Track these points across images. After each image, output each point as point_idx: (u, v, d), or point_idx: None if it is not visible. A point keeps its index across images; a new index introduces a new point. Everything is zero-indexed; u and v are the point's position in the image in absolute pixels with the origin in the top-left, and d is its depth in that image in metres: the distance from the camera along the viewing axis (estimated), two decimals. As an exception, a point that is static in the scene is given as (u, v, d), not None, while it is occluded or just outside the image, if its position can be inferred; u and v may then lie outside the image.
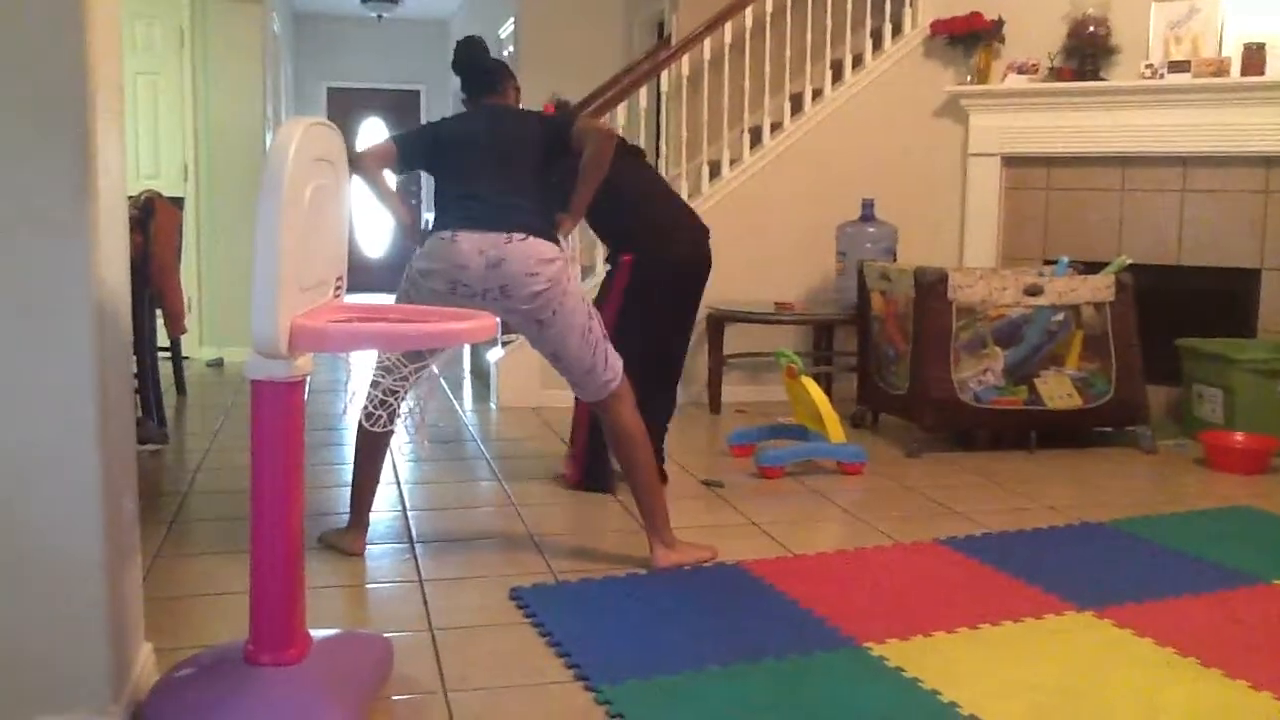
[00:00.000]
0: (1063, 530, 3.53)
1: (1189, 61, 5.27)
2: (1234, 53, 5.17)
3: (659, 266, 3.80)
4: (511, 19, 8.11)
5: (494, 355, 5.60)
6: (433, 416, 5.22)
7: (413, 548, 3.27)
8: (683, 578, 3.01)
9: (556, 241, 3.02)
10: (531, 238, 2.93)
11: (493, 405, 5.51)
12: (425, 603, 2.81)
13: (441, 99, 11.46)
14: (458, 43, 3.30)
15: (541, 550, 3.24)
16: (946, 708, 2.24)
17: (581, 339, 3.01)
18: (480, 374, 6.15)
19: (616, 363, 3.08)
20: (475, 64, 3.28)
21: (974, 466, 4.40)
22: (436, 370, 2.84)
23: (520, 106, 3.41)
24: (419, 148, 3.17)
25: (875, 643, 2.55)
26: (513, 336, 5.44)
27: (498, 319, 2.40)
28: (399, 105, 11.62)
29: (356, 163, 2.97)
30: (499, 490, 3.96)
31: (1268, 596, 2.94)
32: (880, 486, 4.08)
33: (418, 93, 11.66)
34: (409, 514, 3.63)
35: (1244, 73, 5.13)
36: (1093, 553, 3.31)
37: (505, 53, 8.46)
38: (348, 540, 3.20)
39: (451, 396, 5.84)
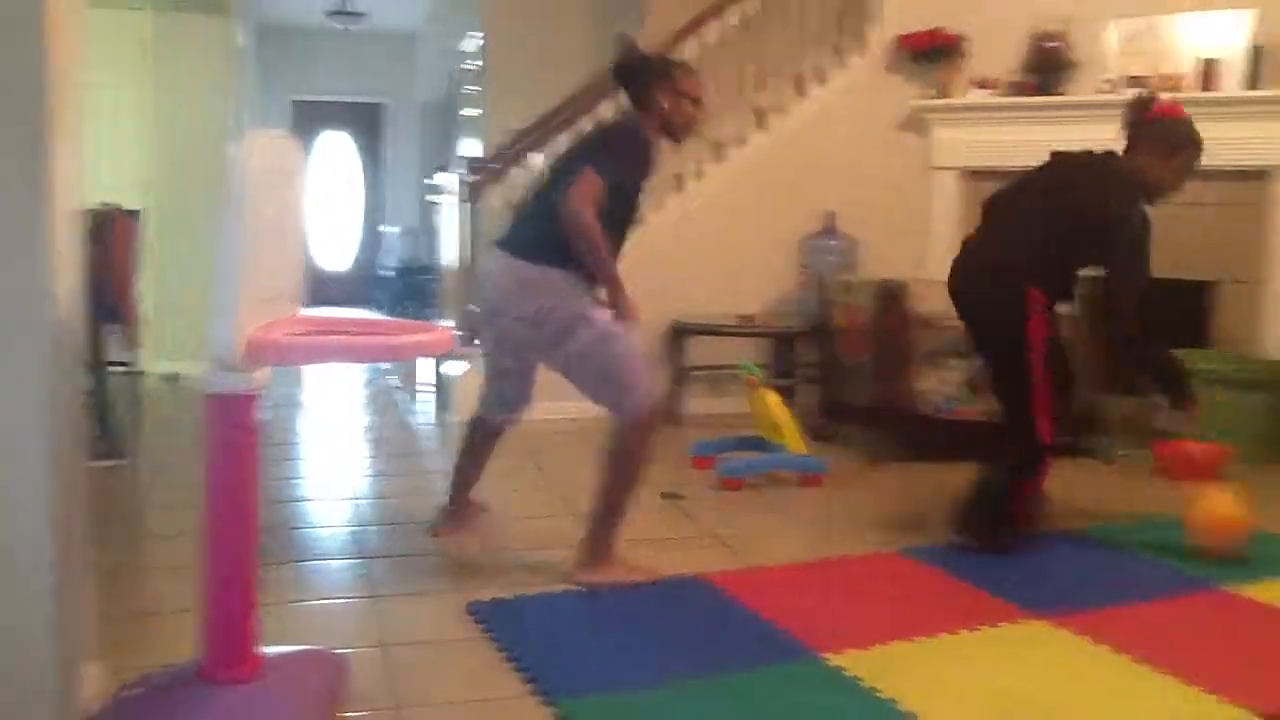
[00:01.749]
0: (1022, 539, 3.55)
1: (1147, 77, 5.33)
2: (1190, 68, 5.25)
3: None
4: (477, 33, 8.10)
5: (454, 367, 5.57)
6: (389, 430, 5.19)
7: (368, 563, 3.24)
8: (643, 591, 3.00)
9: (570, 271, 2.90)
10: (519, 259, 2.94)
11: (453, 418, 5.47)
12: (381, 619, 2.79)
13: (406, 112, 11.44)
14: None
15: (500, 565, 3.22)
16: (905, 717, 2.24)
17: (596, 381, 2.95)
18: (440, 386, 6.12)
19: (639, 398, 2.93)
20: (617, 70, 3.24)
21: (934, 477, 4.41)
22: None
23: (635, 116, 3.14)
24: None
25: (835, 653, 2.56)
26: (475, 348, 5.41)
27: (456, 331, 2.42)
28: (363, 118, 11.59)
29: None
30: (460, 504, 3.93)
31: (1218, 601, 2.98)
32: (841, 497, 4.09)
33: (382, 106, 11.63)
34: (365, 529, 3.60)
35: (1200, 88, 5.20)
36: (1050, 561, 3.34)
37: (469, 66, 8.46)
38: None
39: (410, 410, 5.80)
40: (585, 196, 2.82)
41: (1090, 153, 3.52)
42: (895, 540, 3.51)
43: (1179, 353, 4.97)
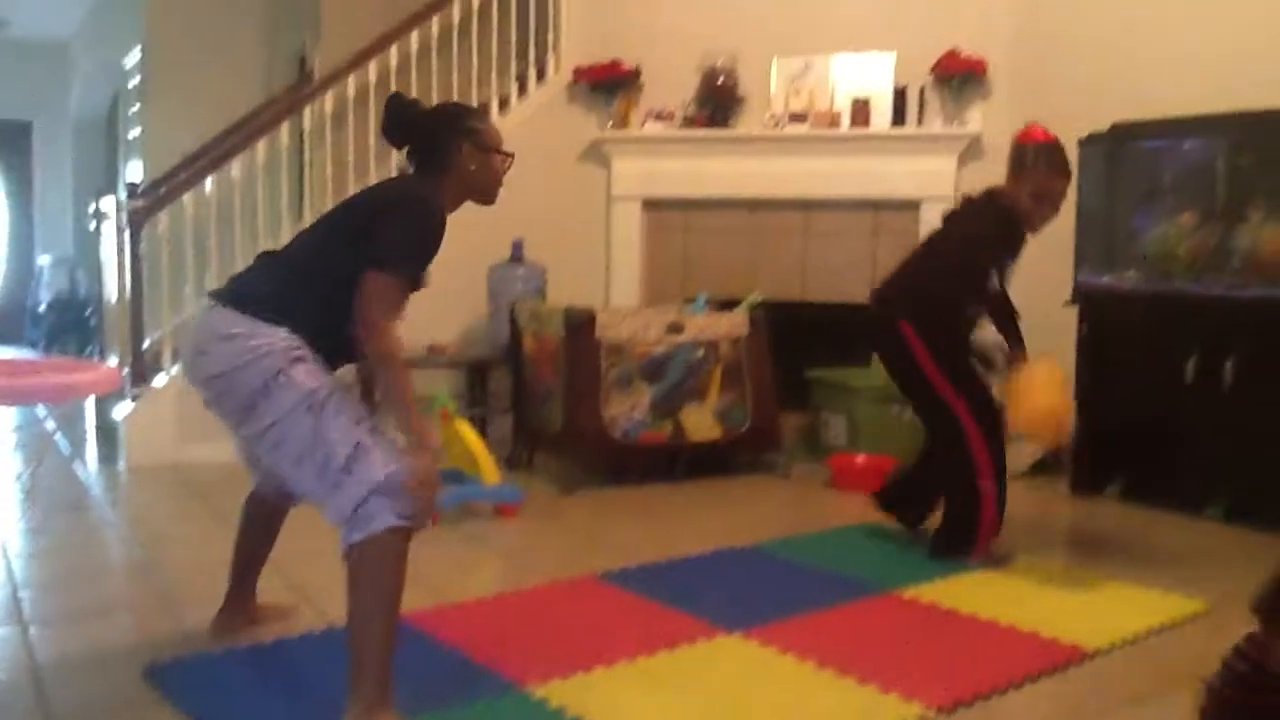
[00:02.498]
0: (710, 556, 3.69)
1: (807, 113, 5.72)
2: (844, 106, 5.67)
3: None
4: (138, 46, 7.59)
5: (122, 409, 5.17)
6: (47, 480, 4.74)
7: (25, 630, 2.93)
8: (335, 637, 2.87)
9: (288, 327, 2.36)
10: (230, 309, 2.39)
11: (121, 465, 5.07)
12: (43, 693, 2.53)
13: (58, 132, 10.55)
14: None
15: (180, 621, 3.00)
16: (607, 745, 2.26)
17: (297, 465, 2.33)
18: (107, 431, 5.65)
19: (365, 493, 2.25)
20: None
21: (627, 500, 4.53)
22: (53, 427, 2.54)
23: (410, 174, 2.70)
24: None
25: (538, 684, 2.55)
26: (144, 388, 5.04)
27: (122, 370, 2.19)
28: (7, 139, 10.58)
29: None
30: (130, 559, 3.65)
31: (890, 605, 3.20)
32: (537, 526, 4.11)
33: (29, 125, 10.65)
34: (19, 591, 3.26)
35: (853, 124, 5.63)
36: (738, 576, 3.49)
37: (130, 85, 7.91)
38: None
39: (72, 457, 5.33)
40: (388, 311, 2.35)
41: (985, 191, 3.69)
42: (592, 565, 3.55)
43: (842, 370, 5.38)
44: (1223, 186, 4.27)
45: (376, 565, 2.24)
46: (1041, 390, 3.49)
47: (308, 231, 2.62)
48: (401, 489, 2.23)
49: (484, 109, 2.57)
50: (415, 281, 2.44)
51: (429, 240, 2.46)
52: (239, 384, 2.32)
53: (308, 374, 2.33)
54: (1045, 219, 3.59)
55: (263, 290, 2.42)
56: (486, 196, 2.69)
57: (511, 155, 2.72)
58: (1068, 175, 3.58)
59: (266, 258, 2.59)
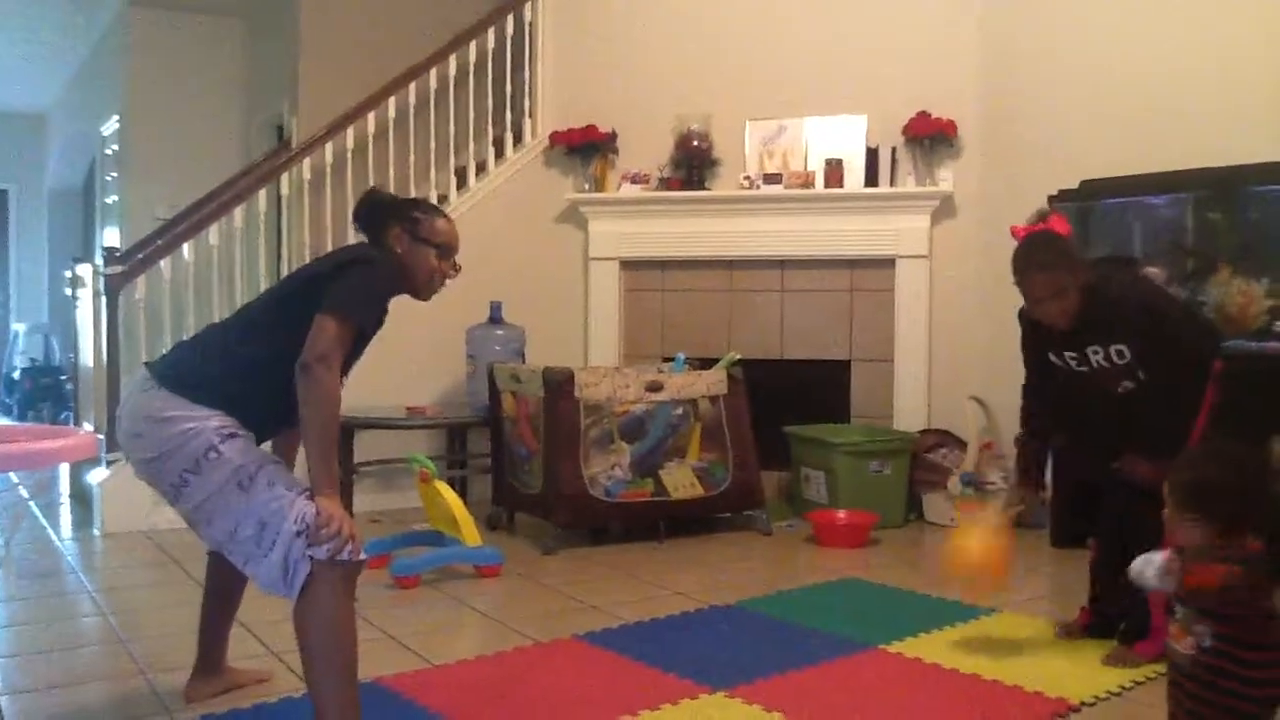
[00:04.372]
0: (693, 615, 3.67)
1: (781, 174, 5.79)
2: (818, 167, 5.75)
3: None
4: (116, 116, 7.63)
5: (97, 475, 5.12)
6: (21, 548, 4.68)
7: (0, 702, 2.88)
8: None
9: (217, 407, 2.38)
10: (161, 386, 2.40)
11: (96, 531, 5.01)
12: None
13: (34, 200, 10.57)
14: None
15: (156, 688, 2.95)
16: (591, 807, 2.23)
17: (230, 538, 2.35)
18: (81, 497, 5.60)
19: (300, 563, 2.26)
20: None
21: (608, 560, 4.50)
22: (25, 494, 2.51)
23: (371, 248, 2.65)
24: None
25: (519, 748, 2.52)
26: (119, 454, 5.00)
27: (97, 436, 2.19)
28: (-16, 206, 10.63)
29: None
30: (105, 626, 3.59)
31: (877, 661, 3.18)
32: (518, 587, 4.08)
33: (6, 193, 10.68)
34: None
35: (827, 185, 5.71)
36: (722, 634, 3.46)
37: (109, 151, 7.95)
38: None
39: (46, 524, 5.27)
40: (328, 351, 2.29)
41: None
42: (573, 626, 3.52)
43: (821, 427, 5.39)
44: (1191, 241, 4.34)
45: (319, 617, 2.24)
46: (979, 541, 3.28)
47: (253, 303, 2.66)
48: (314, 529, 2.24)
49: (443, 212, 2.64)
50: (362, 327, 2.43)
51: (377, 292, 2.50)
52: (171, 465, 2.35)
53: (237, 450, 2.35)
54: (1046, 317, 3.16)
55: (200, 372, 2.44)
56: (414, 288, 2.66)
57: (457, 266, 2.71)
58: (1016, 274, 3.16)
59: (205, 333, 2.62)
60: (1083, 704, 2.81)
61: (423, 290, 2.68)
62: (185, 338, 2.59)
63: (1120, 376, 3.13)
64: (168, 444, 2.34)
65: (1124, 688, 2.93)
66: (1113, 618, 3.27)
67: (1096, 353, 3.13)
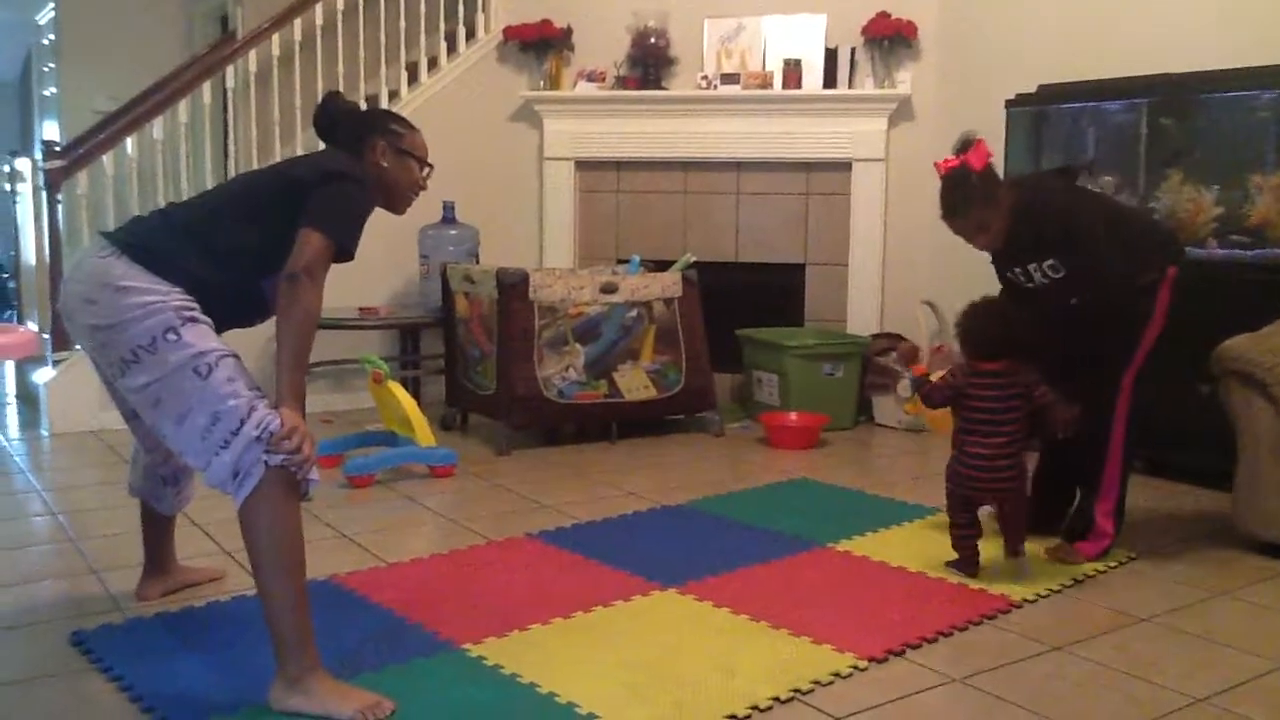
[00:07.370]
0: (645, 514, 3.72)
1: (738, 74, 5.71)
2: (776, 68, 5.67)
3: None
4: (51, 4, 7.35)
5: (43, 375, 5.04)
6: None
7: (-53, 598, 2.87)
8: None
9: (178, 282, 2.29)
10: (122, 256, 2.29)
11: (44, 432, 4.96)
12: (-34, 659, 2.48)
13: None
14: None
15: (108, 586, 2.95)
16: (545, 698, 2.27)
17: (178, 424, 2.24)
18: (28, 397, 5.52)
19: (254, 467, 2.18)
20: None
21: (561, 460, 4.53)
22: None
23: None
24: None
25: (473, 643, 2.55)
26: (66, 353, 4.93)
27: (41, 334, 2.11)
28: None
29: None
30: (56, 525, 3.57)
31: (823, 559, 3.25)
32: (471, 487, 4.10)
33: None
34: (-57, 559, 3.18)
35: (785, 86, 5.64)
36: (673, 533, 3.51)
37: (45, 41, 7.67)
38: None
39: (-6, 423, 5.21)
40: (317, 269, 2.27)
41: None
42: (526, 525, 3.55)
43: (774, 330, 5.41)
44: (1144, 148, 4.35)
45: (269, 518, 2.19)
46: None
47: (222, 189, 2.56)
48: (274, 439, 2.17)
49: (407, 123, 2.56)
50: (345, 252, 2.38)
51: (362, 217, 2.44)
52: (124, 338, 2.24)
53: (198, 335, 2.26)
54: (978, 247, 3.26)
55: (164, 245, 2.33)
56: (392, 200, 2.60)
57: (430, 166, 2.66)
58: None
59: (173, 209, 2.50)
60: (1024, 600, 2.89)
61: (401, 204, 2.63)
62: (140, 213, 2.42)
63: (1065, 290, 3.18)
64: (124, 314, 2.23)
65: (1064, 585, 3.01)
66: (1054, 521, 3.36)
67: (1035, 269, 3.19)
